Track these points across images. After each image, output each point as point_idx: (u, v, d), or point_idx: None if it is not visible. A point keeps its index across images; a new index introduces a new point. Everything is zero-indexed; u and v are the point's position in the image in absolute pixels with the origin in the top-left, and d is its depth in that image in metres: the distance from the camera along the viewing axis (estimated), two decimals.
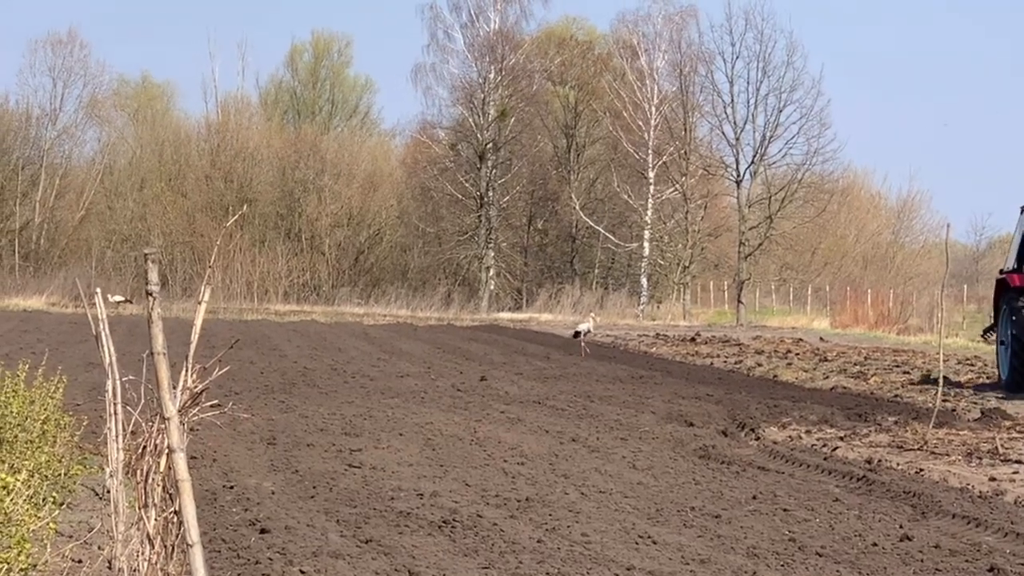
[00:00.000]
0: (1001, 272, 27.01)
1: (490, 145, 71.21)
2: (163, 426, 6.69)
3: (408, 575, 9.63)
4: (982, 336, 29.55)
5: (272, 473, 14.08)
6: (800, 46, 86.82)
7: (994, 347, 27.35)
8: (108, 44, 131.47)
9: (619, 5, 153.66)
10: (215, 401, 7.19)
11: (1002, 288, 26.47)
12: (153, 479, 6.96)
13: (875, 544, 11.12)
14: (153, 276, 6.60)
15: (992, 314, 27.59)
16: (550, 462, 15.14)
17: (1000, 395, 24.76)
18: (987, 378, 28.30)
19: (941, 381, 21.12)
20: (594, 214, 71.45)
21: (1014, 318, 25.22)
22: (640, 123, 69.03)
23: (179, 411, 6.73)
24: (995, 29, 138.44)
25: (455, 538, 10.93)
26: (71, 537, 10.07)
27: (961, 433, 18.85)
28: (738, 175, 67.95)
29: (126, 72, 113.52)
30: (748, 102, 67.86)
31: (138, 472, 7.00)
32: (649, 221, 68.89)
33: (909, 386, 26.90)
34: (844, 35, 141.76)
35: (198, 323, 6.99)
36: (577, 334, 36.33)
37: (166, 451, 6.78)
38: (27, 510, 8.74)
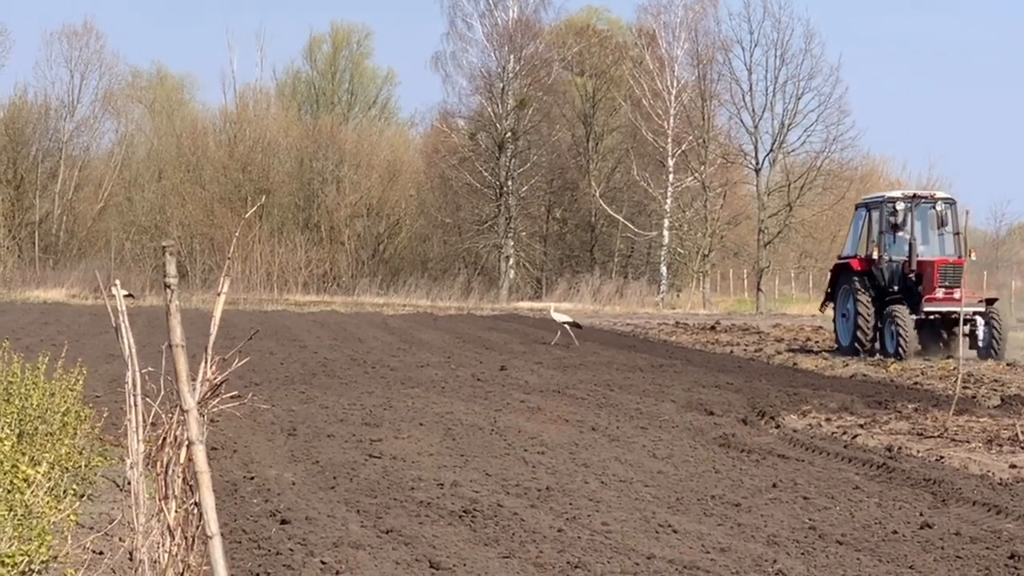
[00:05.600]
0: (840, 257, 33.39)
1: (509, 134, 71.09)
2: (183, 418, 6.69)
3: (428, 565, 9.64)
4: (820, 310, 36.19)
5: (292, 464, 14.10)
6: (818, 33, 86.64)
7: (829, 316, 34.00)
8: (125, 36, 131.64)
9: None
10: (235, 392, 7.19)
11: (841, 270, 32.58)
12: (173, 471, 6.97)
13: (895, 532, 11.11)
14: (171, 268, 6.59)
15: (828, 290, 33.56)
16: (570, 451, 15.14)
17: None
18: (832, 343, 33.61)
19: (961, 368, 21.06)
20: (613, 203, 71.29)
21: (855, 296, 31.09)
22: (659, 111, 68.84)
23: (199, 403, 6.73)
24: (1015, 16, 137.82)
25: (475, 528, 10.94)
26: (92, 529, 10.09)
27: (981, 420, 18.82)
28: (757, 163, 67.87)
29: (143, 64, 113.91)
30: (767, 90, 67.84)
31: (158, 464, 7.01)
32: (668, 209, 68.74)
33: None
34: (862, 22, 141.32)
35: (217, 314, 6.99)
36: (577, 325, 35.25)
37: (186, 443, 6.78)
38: (48, 502, 8.76)
